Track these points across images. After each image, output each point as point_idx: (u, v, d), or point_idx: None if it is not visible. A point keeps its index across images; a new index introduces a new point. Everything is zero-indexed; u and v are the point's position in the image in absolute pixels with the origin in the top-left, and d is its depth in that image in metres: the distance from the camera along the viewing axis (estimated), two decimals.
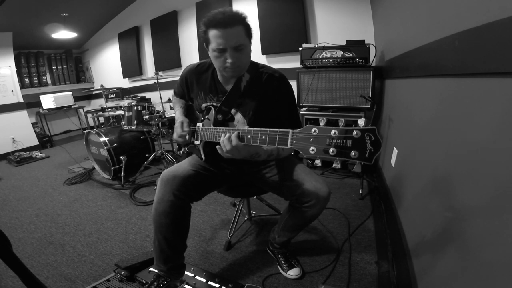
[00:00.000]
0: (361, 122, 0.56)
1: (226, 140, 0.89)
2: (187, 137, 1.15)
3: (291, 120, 1.12)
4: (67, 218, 2.00)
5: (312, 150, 0.67)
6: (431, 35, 1.04)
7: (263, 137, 0.81)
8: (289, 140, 0.73)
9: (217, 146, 0.93)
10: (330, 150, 0.63)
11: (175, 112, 1.29)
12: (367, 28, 2.69)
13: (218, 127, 1.01)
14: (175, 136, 1.18)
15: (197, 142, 1.15)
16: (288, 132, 0.74)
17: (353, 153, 0.60)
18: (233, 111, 1.09)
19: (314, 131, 0.67)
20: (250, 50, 1.03)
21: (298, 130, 0.72)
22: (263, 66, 1.13)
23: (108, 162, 2.57)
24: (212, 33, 0.93)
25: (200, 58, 3.74)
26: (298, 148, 0.71)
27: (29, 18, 3.82)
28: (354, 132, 0.60)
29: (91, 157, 2.90)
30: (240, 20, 0.94)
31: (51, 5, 3.65)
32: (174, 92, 1.35)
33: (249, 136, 0.86)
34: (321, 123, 0.62)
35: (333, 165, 0.61)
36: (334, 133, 0.63)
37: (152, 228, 1.10)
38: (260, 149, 0.95)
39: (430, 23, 1.11)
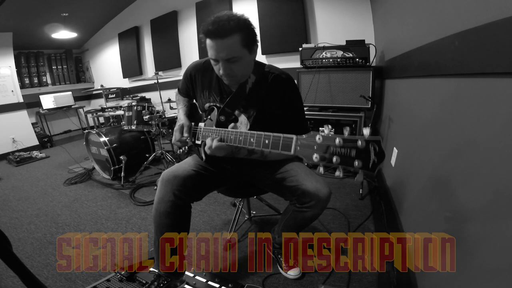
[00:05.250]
0: (366, 132, 0.56)
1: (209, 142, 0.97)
2: (188, 140, 1.15)
3: (297, 123, 1.10)
4: (67, 218, 2.00)
5: (316, 157, 0.66)
6: (431, 35, 1.04)
7: (266, 141, 0.80)
8: (293, 146, 0.72)
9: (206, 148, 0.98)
10: (334, 159, 0.63)
11: (178, 111, 1.28)
12: (367, 28, 2.69)
13: (220, 129, 1.00)
14: (173, 140, 1.18)
15: (198, 142, 1.15)
16: (292, 138, 0.73)
17: (357, 163, 0.60)
18: (237, 112, 1.08)
19: (319, 139, 0.66)
20: (249, 60, 0.98)
21: (302, 136, 0.71)
22: (270, 66, 1.10)
23: (108, 162, 2.57)
24: (207, 42, 0.91)
25: (200, 58, 3.74)
26: (302, 154, 0.70)
27: (29, 18, 3.82)
28: (359, 142, 0.60)
29: (91, 157, 2.90)
30: (235, 29, 0.87)
31: (51, 5, 3.65)
32: (178, 89, 1.33)
33: (252, 140, 0.85)
34: (326, 131, 0.63)
35: (336, 174, 0.61)
36: (339, 142, 0.63)
37: (152, 228, 1.10)
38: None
39: (430, 23, 1.11)
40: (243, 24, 0.90)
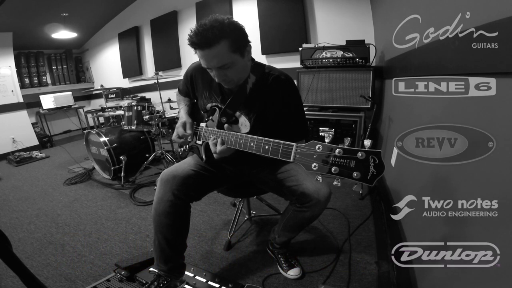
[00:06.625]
0: (367, 143, 0.56)
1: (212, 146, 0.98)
2: (189, 138, 1.15)
3: (297, 125, 1.10)
4: (67, 218, 2.00)
5: (315, 166, 0.67)
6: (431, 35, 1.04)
7: (266, 147, 0.81)
8: (292, 154, 0.73)
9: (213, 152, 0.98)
10: (333, 169, 0.64)
11: (179, 110, 1.28)
12: (367, 28, 2.69)
13: (221, 130, 1.00)
14: (174, 135, 1.18)
15: (199, 142, 1.15)
16: (292, 145, 0.74)
17: (355, 174, 0.60)
18: (237, 113, 1.08)
19: (319, 148, 0.67)
20: (243, 63, 0.97)
21: (302, 144, 0.72)
22: (269, 67, 1.09)
23: (108, 162, 2.57)
24: (197, 53, 0.91)
25: None
26: (301, 162, 0.71)
27: (29, 18, 3.82)
28: (359, 154, 0.60)
29: (91, 157, 2.90)
30: (220, 36, 0.84)
31: (51, 5, 3.65)
32: (179, 89, 1.34)
33: (252, 144, 0.86)
34: (326, 140, 0.63)
35: (334, 183, 0.62)
36: (339, 152, 0.63)
37: (152, 228, 1.10)
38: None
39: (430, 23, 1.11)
40: (228, 29, 0.86)
